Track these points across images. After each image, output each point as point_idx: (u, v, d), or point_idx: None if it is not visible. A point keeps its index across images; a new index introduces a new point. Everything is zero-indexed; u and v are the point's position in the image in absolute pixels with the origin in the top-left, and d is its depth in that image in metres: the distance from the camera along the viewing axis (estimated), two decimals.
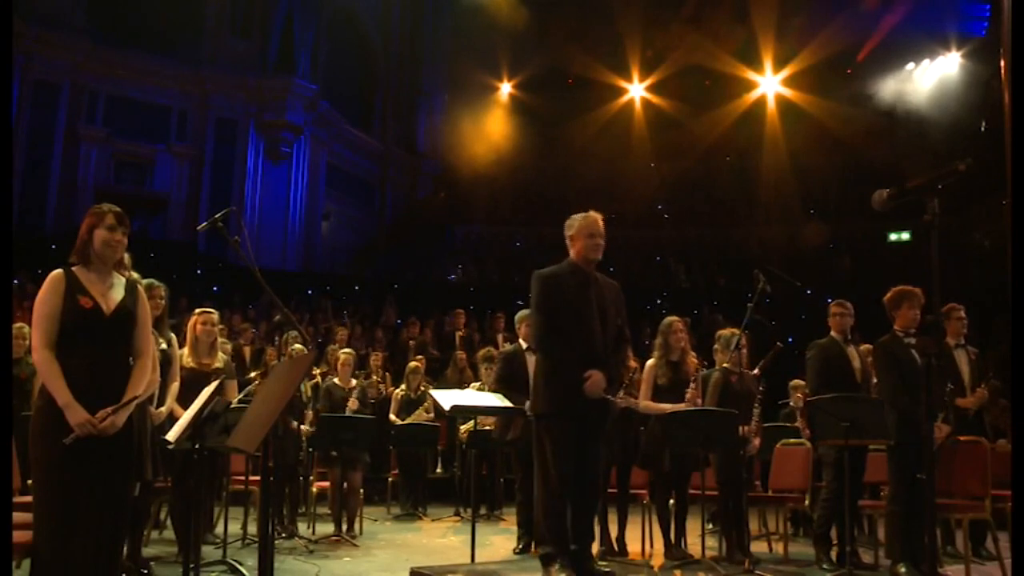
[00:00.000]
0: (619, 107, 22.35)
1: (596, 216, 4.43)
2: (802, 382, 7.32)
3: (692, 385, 5.47)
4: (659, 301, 16.02)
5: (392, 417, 8.46)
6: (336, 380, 7.16)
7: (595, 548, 5.41)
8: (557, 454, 4.15)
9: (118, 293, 3.32)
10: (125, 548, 4.02)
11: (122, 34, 17.39)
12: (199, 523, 4.68)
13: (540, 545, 4.26)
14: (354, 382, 7.27)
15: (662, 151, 21.66)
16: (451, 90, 23.43)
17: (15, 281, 10.41)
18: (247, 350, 9.96)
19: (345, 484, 6.69)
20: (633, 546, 5.81)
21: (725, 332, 5.91)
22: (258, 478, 6.03)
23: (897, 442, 4.84)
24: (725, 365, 5.65)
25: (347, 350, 7.58)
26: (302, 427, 6.71)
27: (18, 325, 5.87)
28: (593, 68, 21.80)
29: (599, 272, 4.48)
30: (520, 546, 5.81)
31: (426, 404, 8.45)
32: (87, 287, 3.24)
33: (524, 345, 5.95)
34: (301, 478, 7.05)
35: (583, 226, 4.39)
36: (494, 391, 5.95)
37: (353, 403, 6.97)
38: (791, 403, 7.60)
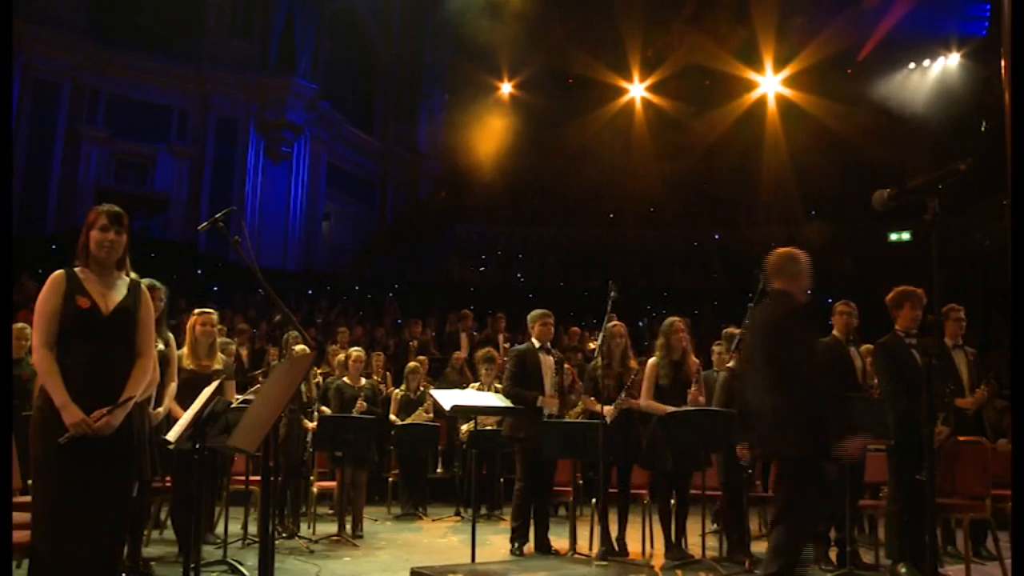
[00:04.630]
0: (619, 107, 22.30)
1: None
2: None
3: (695, 385, 5.47)
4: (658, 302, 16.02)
5: (392, 417, 8.45)
6: (346, 379, 7.13)
7: (595, 548, 5.44)
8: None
9: (119, 293, 3.32)
10: (125, 548, 4.03)
11: (122, 34, 17.37)
12: (199, 523, 4.67)
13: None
14: (364, 381, 7.24)
15: (662, 151, 21.62)
16: (451, 90, 23.40)
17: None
18: (245, 351, 9.93)
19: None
20: (634, 546, 5.81)
21: (734, 332, 5.90)
22: (258, 478, 6.03)
23: (897, 442, 4.84)
24: (730, 365, 5.65)
25: (358, 348, 7.53)
26: (308, 424, 6.71)
27: (20, 325, 5.86)
28: (593, 68, 21.76)
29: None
30: (516, 546, 5.82)
31: (426, 404, 8.44)
32: (86, 287, 3.25)
33: (537, 344, 6.01)
34: (302, 478, 7.04)
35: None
36: (508, 389, 5.97)
37: (361, 404, 6.95)
38: None
